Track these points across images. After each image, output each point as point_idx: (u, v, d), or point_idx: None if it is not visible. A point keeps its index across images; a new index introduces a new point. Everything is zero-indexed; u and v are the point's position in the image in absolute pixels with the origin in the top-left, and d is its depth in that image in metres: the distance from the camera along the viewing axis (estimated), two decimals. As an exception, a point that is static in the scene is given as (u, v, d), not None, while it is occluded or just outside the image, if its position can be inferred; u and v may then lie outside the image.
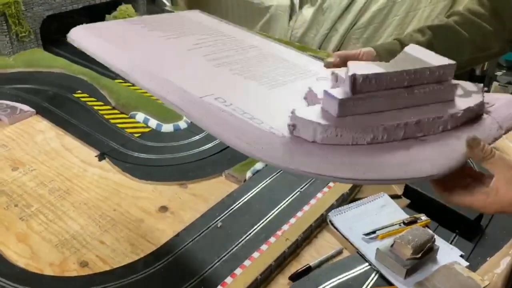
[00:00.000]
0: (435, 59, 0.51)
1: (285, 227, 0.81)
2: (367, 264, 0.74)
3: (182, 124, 1.14)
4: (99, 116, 1.17)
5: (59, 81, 1.32)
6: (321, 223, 0.84)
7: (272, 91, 0.57)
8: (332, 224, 0.82)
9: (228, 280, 0.71)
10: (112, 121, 1.15)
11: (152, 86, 0.56)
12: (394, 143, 0.47)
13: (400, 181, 0.50)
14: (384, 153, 0.46)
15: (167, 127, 1.13)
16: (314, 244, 0.80)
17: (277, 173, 0.96)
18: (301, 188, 0.92)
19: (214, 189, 0.92)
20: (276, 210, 0.86)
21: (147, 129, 1.12)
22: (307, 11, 2.15)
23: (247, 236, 0.80)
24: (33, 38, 1.48)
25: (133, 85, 1.30)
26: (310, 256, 0.77)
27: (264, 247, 0.77)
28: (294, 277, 0.72)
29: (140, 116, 1.16)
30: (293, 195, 0.90)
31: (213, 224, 0.82)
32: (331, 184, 0.93)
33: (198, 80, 0.58)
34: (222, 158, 1.01)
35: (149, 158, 1.01)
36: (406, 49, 0.54)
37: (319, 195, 0.90)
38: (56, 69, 1.38)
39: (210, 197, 0.89)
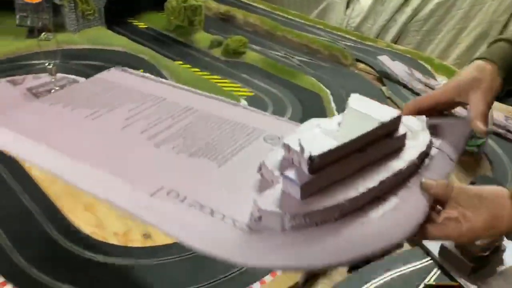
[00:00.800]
0: (382, 112, 0.50)
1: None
2: (429, 258, 0.73)
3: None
4: (160, 95, 1.19)
5: (121, 59, 1.36)
6: (381, 214, 0.82)
7: (223, 168, 0.52)
8: (393, 216, 0.80)
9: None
10: (172, 101, 1.17)
11: (95, 191, 0.49)
12: (359, 212, 0.44)
13: (382, 252, 0.43)
14: (351, 228, 0.43)
15: (226, 110, 1.14)
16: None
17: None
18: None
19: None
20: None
21: (206, 111, 1.14)
22: (365, 1, 2.11)
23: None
24: (98, 17, 1.53)
25: (193, 67, 1.34)
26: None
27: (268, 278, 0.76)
28: (352, 267, 0.72)
29: (199, 98, 1.18)
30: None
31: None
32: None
33: (142, 170, 0.52)
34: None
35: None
36: (350, 103, 0.52)
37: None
38: (119, 47, 1.42)
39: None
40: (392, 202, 0.46)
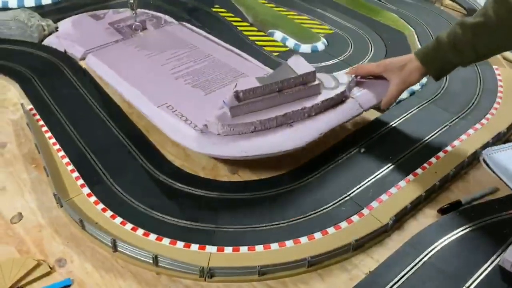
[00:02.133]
0: (303, 68, 0.77)
1: (433, 160, 0.78)
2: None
3: (320, 46, 1.11)
4: (238, 32, 1.18)
5: (197, -5, 1.35)
6: (473, 161, 0.79)
7: (207, 96, 0.86)
8: (486, 163, 0.77)
9: (374, 204, 0.71)
10: (250, 37, 1.15)
11: (132, 101, 0.88)
12: (269, 130, 0.74)
13: (270, 155, 0.72)
14: (260, 138, 0.73)
15: (305, 48, 1.11)
16: (464, 180, 0.77)
17: (422, 104, 0.91)
18: (450, 123, 0.86)
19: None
20: (423, 142, 0.82)
21: (284, 49, 1.11)
22: None
23: (392, 164, 0.78)
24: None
25: (269, 2, 1.30)
26: (460, 192, 0.74)
27: (411, 177, 0.75)
28: (443, 210, 0.70)
29: (278, 35, 1.15)
30: (441, 129, 0.85)
31: (355, 148, 0.81)
32: (483, 121, 0.86)
33: (160, 91, 0.88)
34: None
35: (287, 77, 1.01)
36: (288, 60, 0.79)
37: (471, 131, 0.84)
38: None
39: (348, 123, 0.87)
40: (293, 128, 0.74)
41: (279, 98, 0.75)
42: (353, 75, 0.83)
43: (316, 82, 0.77)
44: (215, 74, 0.93)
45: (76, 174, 0.76)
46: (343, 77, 0.82)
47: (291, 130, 0.74)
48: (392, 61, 0.80)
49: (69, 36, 1.13)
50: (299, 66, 0.77)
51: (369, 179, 0.75)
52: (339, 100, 0.78)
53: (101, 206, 0.71)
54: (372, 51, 1.10)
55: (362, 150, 0.81)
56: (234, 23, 1.21)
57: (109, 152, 0.80)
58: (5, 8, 1.25)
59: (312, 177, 0.76)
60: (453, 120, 0.87)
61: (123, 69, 0.97)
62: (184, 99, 0.85)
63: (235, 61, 0.98)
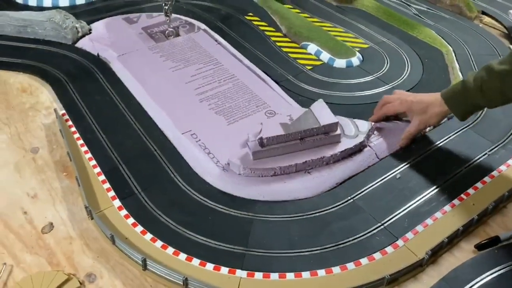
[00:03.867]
0: (326, 118, 0.79)
1: (471, 191, 0.76)
2: None
3: (355, 61, 1.10)
4: (271, 42, 1.17)
5: (231, 1, 1.34)
6: (513, 194, 0.77)
7: (230, 127, 0.87)
8: (527, 198, 0.75)
9: (409, 235, 0.69)
10: (283, 49, 1.14)
11: (157, 120, 0.90)
12: (288, 175, 0.77)
13: (287, 202, 0.74)
14: (279, 183, 0.76)
15: (340, 62, 1.09)
16: (503, 214, 0.74)
17: (460, 130, 0.89)
18: (489, 151, 0.84)
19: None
20: (460, 171, 0.80)
21: (318, 62, 1.10)
22: None
23: (428, 193, 0.76)
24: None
25: (304, 12, 1.28)
26: (498, 227, 0.72)
27: (447, 208, 0.73)
28: (481, 247, 0.68)
29: (312, 48, 1.14)
30: (480, 157, 0.83)
31: (390, 174, 0.80)
32: (525, 151, 0.84)
33: (184, 115, 0.89)
34: (399, 103, 0.96)
35: (320, 93, 1.00)
36: (312, 106, 0.82)
37: (511, 161, 0.82)
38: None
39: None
40: (311, 176, 0.77)
41: (300, 145, 0.78)
42: (372, 123, 0.85)
43: (337, 132, 0.79)
44: (238, 101, 0.94)
45: (107, 185, 0.76)
46: (364, 124, 0.84)
47: (309, 177, 0.77)
48: (417, 101, 0.82)
49: (102, 39, 1.13)
50: (323, 114, 0.80)
51: (404, 207, 0.73)
52: (357, 149, 0.81)
53: (131, 220, 0.71)
54: (409, 69, 1.08)
55: (398, 176, 0.79)
56: (267, 33, 1.20)
57: (140, 163, 0.80)
58: (41, 7, 1.26)
59: (345, 203, 0.75)
60: (492, 149, 0.85)
61: (148, 81, 0.98)
62: (207, 128, 0.86)
63: (259, 87, 0.98)
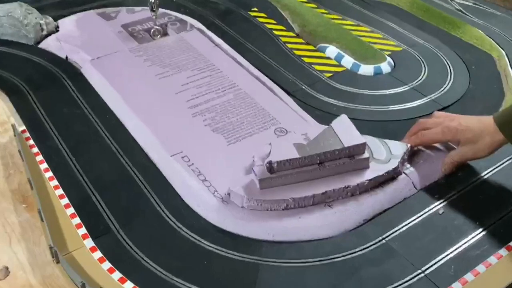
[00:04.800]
0: (350, 138, 0.79)
1: (534, 231, 0.76)
2: None
3: (385, 67, 1.11)
4: (281, 43, 1.18)
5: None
6: None
7: (230, 148, 0.88)
8: None
9: (456, 285, 0.69)
10: (296, 52, 1.16)
11: (138, 138, 0.90)
12: (304, 209, 0.76)
13: (303, 243, 0.73)
14: (292, 219, 0.75)
15: (366, 69, 1.10)
16: None
17: (518, 153, 0.89)
18: (556, 181, 0.84)
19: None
20: (519, 205, 0.80)
21: (340, 69, 1.11)
22: None
23: (479, 233, 0.76)
24: None
25: (320, 7, 1.30)
26: None
27: (503, 252, 0.73)
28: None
29: (331, 51, 1.15)
30: (544, 189, 0.83)
31: (432, 208, 0.80)
32: None
33: (173, 134, 0.89)
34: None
35: (342, 106, 1.01)
36: (333, 123, 0.82)
37: None
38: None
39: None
40: (332, 210, 0.76)
41: (319, 171, 0.77)
42: (409, 145, 0.84)
43: (365, 155, 0.79)
44: (240, 115, 0.94)
45: (77, 220, 0.76)
46: (397, 146, 0.84)
47: (330, 212, 0.76)
48: (463, 128, 0.81)
49: (72, 39, 1.15)
50: (347, 133, 0.80)
51: (449, 251, 0.73)
52: (390, 177, 0.81)
53: (107, 265, 0.70)
54: (452, 77, 1.09)
55: (441, 211, 0.79)
56: (276, 32, 1.22)
57: (119, 193, 0.81)
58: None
59: (375, 244, 0.74)
60: (559, 178, 0.85)
61: (128, 90, 0.99)
62: (202, 149, 0.87)
63: (266, 98, 0.99)
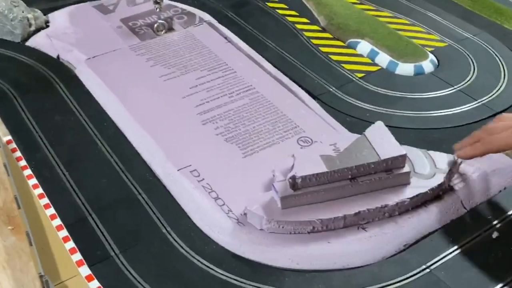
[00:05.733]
0: (388, 150, 0.78)
1: None
2: None
3: (427, 66, 1.11)
4: (305, 39, 1.19)
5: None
6: None
7: (247, 159, 0.88)
8: None
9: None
10: (322, 49, 1.16)
11: (141, 149, 0.91)
12: (333, 232, 0.76)
13: (333, 272, 0.73)
14: (319, 244, 0.75)
15: (405, 68, 1.10)
16: None
17: None
18: None
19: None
20: None
21: (374, 68, 1.11)
22: None
23: (542, 260, 0.75)
24: None
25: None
26: None
27: None
28: None
29: (364, 47, 1.15)
30: None
31: (484, 231, 0.79)
32: None
33: (180, 145, 0.90)
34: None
35: (377, 112, 1.01)
36: (367, 132, 0.81)
37: None
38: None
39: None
40: (367, 233, 0.76)
41: (351, 188, 0.78)
42: (457, 158, 0.82)
43: (405, 169, 0.79)
44: (258, 123, 0.95)
45: (71, 244, 0.77)
46: (443, 159, 0.83)
47: (364, 236, 0.76)
48: None
49: (64, 35, 1.17)
50: (383, 143, 0.79)
51: (504, 282, 0.73)
52: (435, 195, 0.80)
53: (106, 296, 0.71)
54: (506, 77, 1.09)
55: (495, 235, 0.79)
56: (299, 26, 1.23)
57: (118, 213, 0.81)
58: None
59: (418, 274, 0.74)
60: None
61: (129, 95, 1.00)
62: (214, 162, 0.87)
63: (288, 103, 1.00)
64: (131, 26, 1.19)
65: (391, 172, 0.79)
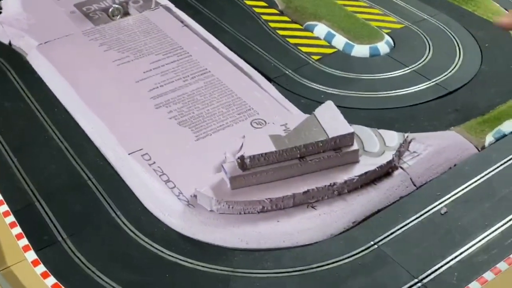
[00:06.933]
0: (337, 128, 0.78)
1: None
2: None
3: (383, 47, 1.12)
4: (262, 22, 1.19)
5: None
6: None
7: (199, 142, 0.88)
8: None
9: (459, 297, 0.69)
10: (280, 32, 1.17)
11: (92, 134, 0.91)
12: (283, 212, 0.76)
13: (281, 249, 0.73)
14: (269, 223, 0.76)
15: (361, 50, 1.11)
16: None
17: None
18: None
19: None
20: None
21: (330, 50, 1.12)
22: None
23: (488, 235, 0.77)
24: None
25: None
26: None
27: (515, 256, 0.74)
28: None
29: (321, 29, 1.16)
30: None
31: (433, 207, 0.81)
32: None
33: (132, 129, 0.89)
34: (446, 105, 0.98)
35: (332, 93, 1.01)
36: (317, 111, 0.82)
37: None
38: None
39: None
40: (316, 211, 0.77)
41: (300, 167, 0.78)
42: (406, 135, 0.85)
43: (354, 147, 0.80)
44: (212, 106, 0.96)
45: (18, 230, 0.77)
46: (393, 137, 0.85)
47: (314, 214, 0.77)
48: None
49: (16, 21, 1.16)
50: (332, 121, 0.80)
51: (452, 256, 0.74)
52: (384, 172, 0.81)
53: (52, 280, 0.71)
54: (461, 57, 1.10)
55: (443, 210, 0.80)
56: (257, 10, 1.23)
57: (67, 198, 0.81)
58: None
59: (366, 250, 0.75)
60: None
61: (81, 80, 1.00)
62: (166, 145, 0.88)
63: (243, 86, 1.00)
64: (85, 11, 1.19)
65: (339, 150, 0.79)
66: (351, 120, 0.84)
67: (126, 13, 1.19)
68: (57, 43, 1.09)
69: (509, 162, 0.87)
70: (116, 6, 1.18)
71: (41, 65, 1.04)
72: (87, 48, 1.08)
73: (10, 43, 1.11)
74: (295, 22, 1.20)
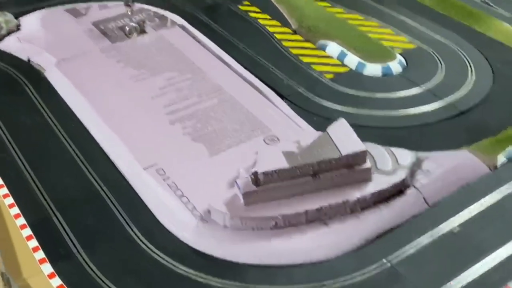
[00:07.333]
0: (349, 146, 0.82)
1: None
2: None
3: (395, 67, 1.13)
4: (275, 41, 1.20)
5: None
6: None
7: (214, 158, 0.96)
8: None
9: (470, 316, 0.69)
10: (293, 51, 1.18)
11: (107, 149, 0.96)
12: (296, 228, 0.79)
13: (295, 267, 0.75)
14: (281, 240, 0.79)
15: (373, 69, 1.12)
16: None
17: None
18: None
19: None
20: (548, 221, 0.81)
21: (343, 69, 1.13)
22: None
23: (500, 254, 0.77)
24: None
25: (322, 0, 1.32)
26: None
27: (530, 275, 0.74)
28: None
29: (333, 48, 1.17)
30: None
31: (446, 226, 0.80)
32: None
33: (147, 144, 0.97)
34: (458, 125, 0.99)
35: (344, 112, 1.02)
36: (330, 128, 0.85)
37: None
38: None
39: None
40: (329, 229, 0.77)
41: (313, 184, 0.80)
42: (419, 153, 0.86)
43: (367, 165, 0.80)
44: (225, 122, 0.97)
45: (34, 243, 0.77)
46: (406, 156, 0.85)
47: (326, 231, 0.79)
48: None
49: (35, 39, 1.17)
50: (345, 140, 0.81)
51: (464, 275, 0.74)
52: (396, 191, 0.83)
53: (66, 292, 0.71)
54: (473, 77, 1.11)
55: (456, 229, 0.80)
56: (270, 29, 1.24)
57: (83, 211, 0.82)
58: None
59: (379, 268, 0.75)
60: None
61: (97, 96, 1.02)
62: (180, 161, 0.90)
63: (256, 103, 1.02)
64: (102, 29, 1.20)
65: (352, 168, 0.80)
66: (363, 138, 0.84)
67: (142, 31, 1.21)
68: (75, 59, 1.10)
69: (521, 182, 0.87)
70: (133, 24, 1.19)
71: (58, 81, 1.06)
72: (104, 65, 1.09)
73: (28, 60, 1.12)
74: (308, 41, 1.21)
